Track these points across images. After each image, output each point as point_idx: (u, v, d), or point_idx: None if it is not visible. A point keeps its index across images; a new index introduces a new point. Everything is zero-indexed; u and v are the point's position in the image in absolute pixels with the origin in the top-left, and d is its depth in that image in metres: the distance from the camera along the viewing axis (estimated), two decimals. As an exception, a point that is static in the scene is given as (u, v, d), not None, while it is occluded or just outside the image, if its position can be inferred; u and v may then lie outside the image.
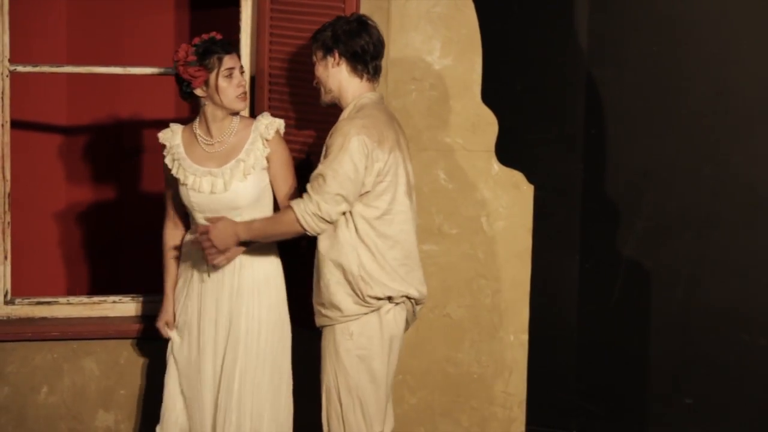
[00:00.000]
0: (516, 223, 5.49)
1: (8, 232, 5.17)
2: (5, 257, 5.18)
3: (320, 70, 4.69)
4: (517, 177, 5.48)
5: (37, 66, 5.10)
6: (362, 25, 4.66)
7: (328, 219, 4.53)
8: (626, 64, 5.73)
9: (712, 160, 5.72)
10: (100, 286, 5.97)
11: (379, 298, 4.62)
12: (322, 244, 4.62)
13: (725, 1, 5.62)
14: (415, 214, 4.76)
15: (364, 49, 4.62)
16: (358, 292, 4.60)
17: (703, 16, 5.64)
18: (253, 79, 5.22)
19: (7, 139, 5.12)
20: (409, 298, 4.71)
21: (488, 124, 5.43)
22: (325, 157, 4.54)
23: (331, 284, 4.62)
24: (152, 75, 5.30)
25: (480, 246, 5.48)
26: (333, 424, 4.70)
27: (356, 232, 4.59)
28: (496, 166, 5.45)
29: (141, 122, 6.03)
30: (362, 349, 4.64)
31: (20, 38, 5.33)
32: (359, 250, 4.60)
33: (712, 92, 5.68)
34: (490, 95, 5.44)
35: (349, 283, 4.61)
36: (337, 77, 4.67)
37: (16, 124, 5.24)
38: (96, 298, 5.28)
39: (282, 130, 4.80)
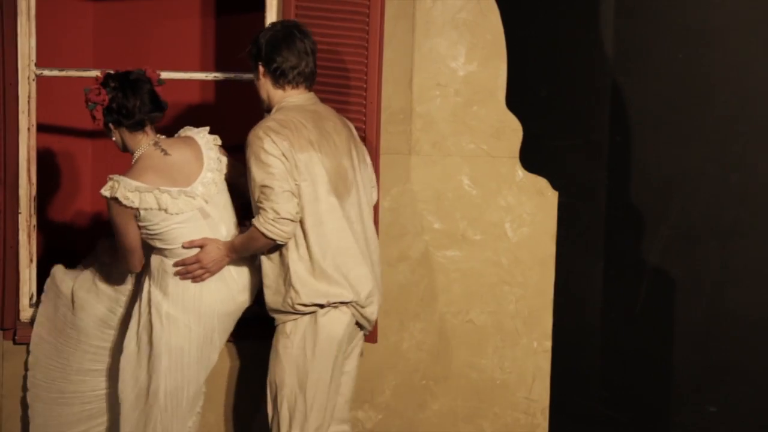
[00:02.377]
0: (540, 230, 5.48)
1: (34, 235, 5.19)
2: (30, 260, 5.20)
3: (255, 77, 4.81)
4: (542, 183, 5.47)
5: (63, 70, 5.13)
6: (287, 36, 4.74)
7: (290, 217, 4.61)
8: (652, 70, 5.71)
9: (739, 167, 5.69)
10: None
11: (307, 305, 4.71)
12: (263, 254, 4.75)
13: (751, 7, 5.60)
14: (358, 209, 4.79)
15: (283, 65, 4.72)
16: (288, 300, 4.71)
17: (729, 22, 5.62)
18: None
19: (33, 142, 5.14)
20: (344, 302, 4.75)
21: (513, 131, 5.43)
22: (248, 166, 4.64)
23: (268, 292, 4.78)
24: (177, 79, 5.32)
25: (504, 252, 5.47)
26: (272, 415, 4.82)
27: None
28: (521, 172, 5.45)
29: (166, 126, 6.04)
30: (296, 348, 4.75)
31: (47, 42, 5.36)
32: (291, 257, 4.69)
33: (738, 99, 5.66)
34: (514, 101, 5.43)
35: (281, 291, 4.73)
36: (265, 87, 4.79)
37: (42, 128, 5.26)
38: (120, 302, 5.29)
39: None
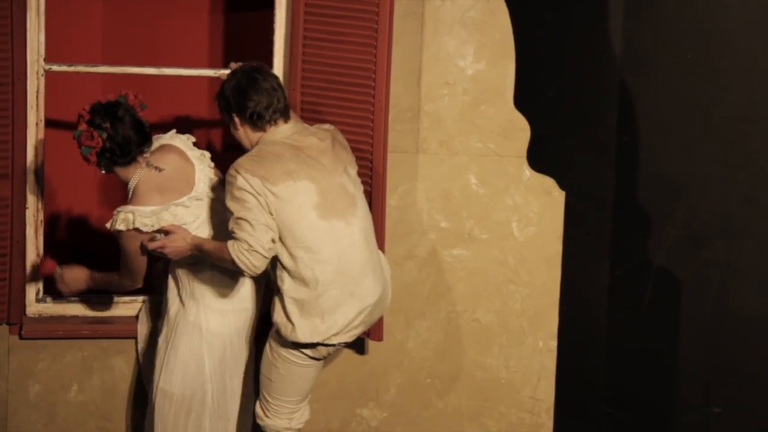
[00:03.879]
0: (546, 229, 5.48)
1: (41, 230, 5.20)
2: (37, 255, 5.21)
3: (231, 129, 4.83)
4: (549, 183, 5.47)
5: (72, 65, 5.13)
6: (250, 81, 4.74)
7: (263, 252, 4.62)
8: (660, 71, 5.70)
9: (746, 168, 5.68)
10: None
11: (305, 343, 4.85)
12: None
13: (761, 8, 5.59)
14: (362, 222, 4.82)
15: (256, 107, 4.72)
16: (285, 332, 4.83)
17: (738, 23, 5.61)
18: (285, 81, 5.23)
19: (41, 137, 5.15)
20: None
21: (520, 130, 5.43)
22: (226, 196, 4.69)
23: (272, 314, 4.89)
24: (186, 76, 5.32)
25: (510, 251, 5.47)
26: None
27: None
28: (528, 171, 5.45)
29: (174, 123, 6.05)
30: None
31: (56, 38, 5.36)
32: (285, 288, 4.78)
33: (746, 100, 5.65)
34: (522, 101, 5.44)
35: (282, 319, 4.84)
36: (245, 135, 4.80)
37: (50, 123, 5.27)
38: (127, 298, 5.30)
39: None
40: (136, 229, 4.74)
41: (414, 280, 5.45)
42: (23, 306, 5.21)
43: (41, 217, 5.19)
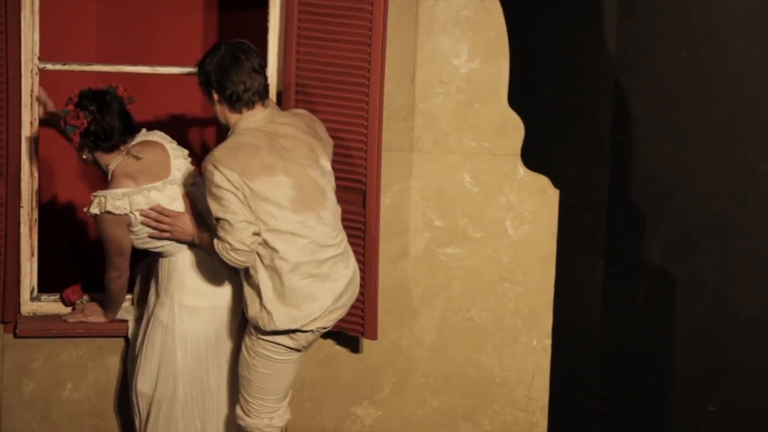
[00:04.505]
0: (541, 228, 5.48)
1: (35, 228, 5.20)
2: (32, 254, 5.21)
3: (210, 104, 4.82)
4: (543, 182, 5.47)
5: (66, 64, 5.13)
6: (233, 59, 4.72)
7: (245, 248, 4.64)
8: (654, 70, 5.71)
9: (740, 167, 5.69)
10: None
11: (280, 331, 4.83)
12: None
13: (755, 7, 5.60)
14: (333, 213, 4.84)
15: (236, 88, 4.71)
16: (261, 321, 4.80)
17: (732, 22, 5.61)
18: (279, 81, 5.23)
19: (35, 136, 5.15)
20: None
21: (514, 128, 5.43)
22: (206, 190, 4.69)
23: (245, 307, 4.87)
24: (180, 75, 5.32)
25: (504, 250, 5.48)
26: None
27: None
28: (522, 170, 5.45)
29: (169, 121, 6.06)
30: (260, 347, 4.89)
31: (50, 37, 5.36)
32: (261, 279, 4.76)
33: (740, 99, 5.66)
34: (516, 99, 5.44)
35: (256, 309, 4.82)
36: (222, 112, 4.78)
37: (45, 122, 5.26)
38: (121, 296, 5.30)
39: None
40: (109, 212, 4.78)
41: (408, 279, 5.45)
42: (18, 305, 5.21)
43: (35, 215, 5.19)
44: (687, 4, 5.66)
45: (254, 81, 4.72)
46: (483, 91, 5.39)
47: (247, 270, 4.76)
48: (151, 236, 4.85)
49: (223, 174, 4.62)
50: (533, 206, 5.47)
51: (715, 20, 5.64)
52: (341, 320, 5.22)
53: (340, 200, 5.10)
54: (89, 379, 5.29)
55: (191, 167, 4.97)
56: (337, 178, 5.14)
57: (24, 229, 5.17)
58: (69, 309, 5.26)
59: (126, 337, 5.21)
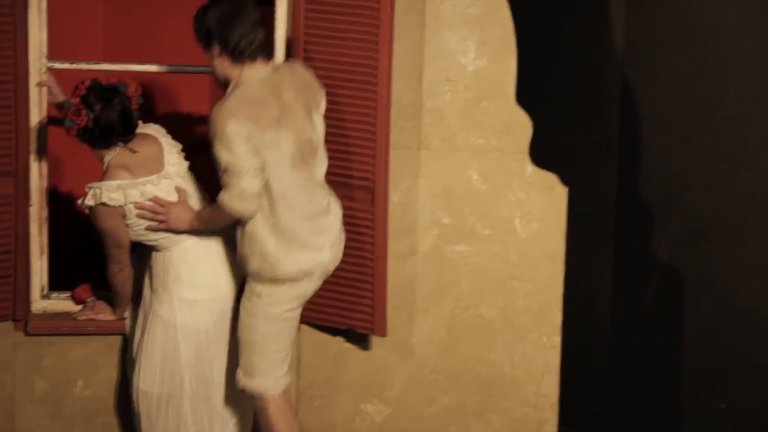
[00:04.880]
0: (549, 225, 5.48)
1: (45, 227, 5.23)
2: (42, 252, 5.24)
3: (208, 58, 4.80)
4: (551, 179, 5.47)
5: (74, 63, 5.16)
6: (235, 12, 4.72)
7: (254, 193, 4.67)
8: (662, 66, 5.70)
9: (749, 164, 5.67)
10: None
11: (285, 277, 4.84)
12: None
13: (763, 5, 5.58)
14: (314, 177, 4.86)
15: (239, 41, 4.70)
16: (264, 272, 4.83)
17: (740, 18, 5.60)
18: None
19: (44, 134, 5.18)
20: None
21: (522, 126, 5.43)
22: (212, 145, 4.68)
23: (243, 263, 4.89)
24: (187, 73, 5.34)
25: (513, 247, 5.47)
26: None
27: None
28: (530, 167, 5.45)
29: (176, 119, 6.07)
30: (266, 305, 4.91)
31: (58, 35, 5.38)
32: (262, 233, 4.80)
33: (749, 96, 5.64)
34: (524, 97, 5.43)
35: (256, 263, 4.85)
36: (222, 66, 4.77)
37: (53, 121, 5.29)
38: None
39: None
40: (104, 204, 4.80)
41: (417, 277, 5.45)
42: (28, 302, 5.24)
43: (45, 214, 5.22)
44: (694, 1, 5.64)
45: (257, 34, 4.73)
46: (490, 89, 5.39)
47: (246, 223, 4.77)
48: (148, 228, 4.87)
49: (237, 123, 4.63)
50: (541, 203, 5.47)
51: (723, 17, 5.63)
52: (351, 318, 5.26)
53: (348, 198, 5.13)
54: (100, 376, 5.31)
55: (185, 162, 4.99)
56: (345, 176, 5.16)
57: (33, 228, 5.20)
58: (79, 307, 5.28)
59: (135, 335, 5.24)
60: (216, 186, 4.78)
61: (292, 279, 4.82)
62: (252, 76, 4.74)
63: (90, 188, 4.83)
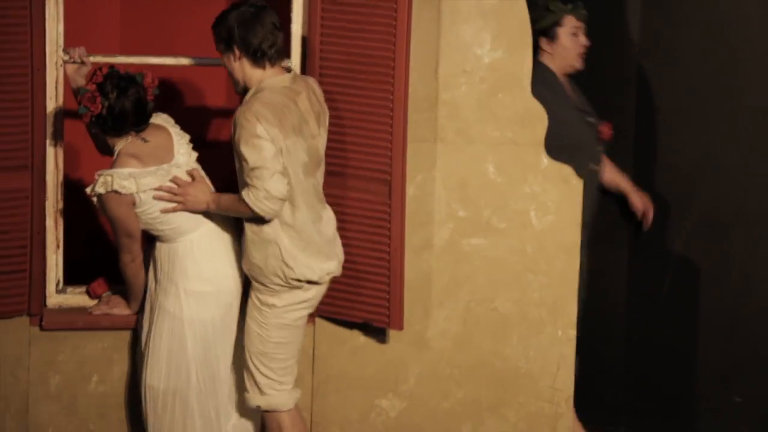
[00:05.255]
0: (565, 218, 5.47)
1: (61, 221, 5.21)
2: (57, 246, 5.22)
3: (226, 62, 4.83)
4: (567, 171, 5.46)
5: (90, 56, 5.13)
6: (256, 16, 4.75)
7: (281, 196, 4.70)
8: (678, 58, 5.70)
9: (766, 157, 5.67)
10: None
11: (301, 281, 4.87)
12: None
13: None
14: (318, 186, 4.92)
15: (261, 43, 4.74)
16: (281, 274, 4.86)
17: (756, 11, 5.60)
18: (303, 72, 5.23)
19: (60, 128, 5.16)
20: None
21: (538, 118, 5.42)
22: (235, 148, 4.70)
23: (254, 267, 4.91)
24: (204, 66, 5.33)
25: (528, 240, 5.46)
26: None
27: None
28: (546, 160, 5.44)
29: (193, 112, 6.06)
30: (278, 316, 4.94)
31: (74, 28, 5.37)
32: (278, 234, 4.82)
33: (765, 88, 5.64)
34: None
35: (270, 266, 4.87)
36: (241, 70, 4.80)
37: (69, 114, 5.27)
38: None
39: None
40: (115, 192, 4.80)
41: (432, 270, 5.44)
42: (43, 297, 5.22)
43: (60, 207, 5.20)
44: (711, -9, 5.65)
45: (276, 37, 4.77)
46: (506, 81, 5.38)
47: (262, 227, 4.79)
48: (164, 211, 4.86)
49: (265, 128, 4.67)
50: (557, 196, 5.46)
51: (739, 9, 5.63)
52: (367, 311, 5.25)
53: (365, 191, 5.14)
54: (115, 371, 5.29)
55: (194, 153, 5.00)
56: (362, 169, 5.16)
57: (49, 222, 5.18)
58: (94, 302, 5.26)
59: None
60: (222, 180, 4.77)
61: (309, 281, 4.85)
62: (273, 82, 4.78)
63: (100, 175, 4.83)
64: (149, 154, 4.87)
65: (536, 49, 5.48)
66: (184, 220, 4.90)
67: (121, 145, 4.89)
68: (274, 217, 4.75)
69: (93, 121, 4.82)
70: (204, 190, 4.89)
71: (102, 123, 4.82)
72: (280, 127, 4.70)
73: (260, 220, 4.77)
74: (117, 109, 4.80)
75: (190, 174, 4.91)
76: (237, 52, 4.75)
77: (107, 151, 5.01)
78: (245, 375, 4.96)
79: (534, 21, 5.35)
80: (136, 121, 4.86)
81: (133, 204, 4.84)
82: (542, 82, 5.44)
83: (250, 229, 4.82)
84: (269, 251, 4.80)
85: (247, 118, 4.68)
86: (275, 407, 4.94)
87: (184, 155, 4.94)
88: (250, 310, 4.91)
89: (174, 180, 4.86)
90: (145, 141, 4.89)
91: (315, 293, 4.92)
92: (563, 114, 5.45)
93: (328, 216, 4.99)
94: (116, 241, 4.93)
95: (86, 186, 4.92)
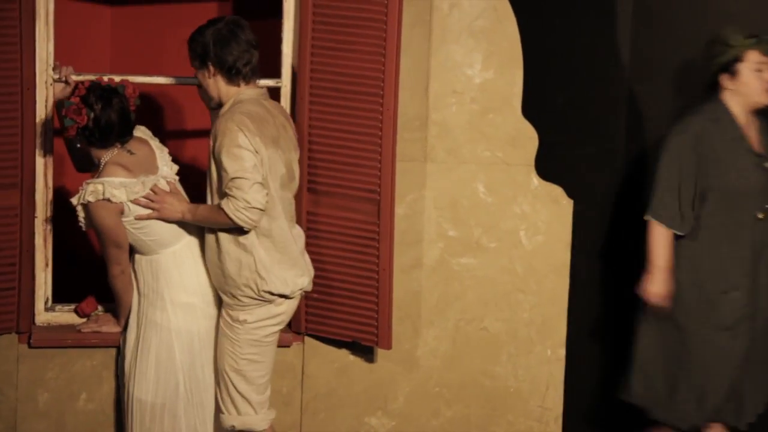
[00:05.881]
0: (555, 238, 5.48)
1: (50, 239, 5.21)
2: (46, 264, 5.22)
3: (200, 78, 4.86)
4: (557, 191, 5.47)
5: (80, 74, 5.14)
6: (231, 33, 4.78)
7: (260, 207, 4.71)
8: (668, 79, 5.71)
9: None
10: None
11: (273, 294, 4.87)
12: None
13: (769, 18, 5.60)
14: (292, 202, 4.95)
15: (236, 62, 4.77)
16: (253, 286, 4.86)
17: (746, 32, 5.60)
18: (294, 90, 5.24)
19: (50, 146, 5.17)
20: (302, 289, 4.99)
21: (528, 138, 5.43)
22: (216, 157, 4.72)
23: (227, 279, 4.92)
24: (194, 85, 5.33)
25: (518, 260, 5.47)
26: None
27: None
28: (536, 180, 5.45)
29: (183, 132, 6.07)
30: (249, 333, 4.95)
31: (64, 47, 5.38)
32: (254, 245, 4.83)
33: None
34: (530, 109, 5.44)
35: (244, 277, 4.87)
36: (216, 87, 4.83)
37: (59, 132, 5.27)
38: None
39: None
40: (107, 200, 4.81)
41: (422, 289, 5.45)
42: (32, 315, 5.22)
43: (50, 226, 5.20)
44: (702, 13, 5.65)
45: (252, 56, 4.80)
46: (497, 101, 5.39)
47: (236, 237, 4.80)
48: (138, 218, 4.86)
49: (247, 136, 4.69)
50: (547, 216, 5.47)
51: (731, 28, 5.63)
52: (356, 330, 5.25)
53: (354, 210, 5.15)
54: (104, 389, 5.29)
55: (175, 165, 5.03)
56: (351, 188, 5.16)
57: (38, 240, 5.18)
58: (84, 319, 5.26)
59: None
60: (197, 197, 4.79)
61: (282, 295, 4.86)
62: (250, 95, 4.81)
63: (89, 183, 4.83)
64: (136, 164, 4.89)
65: (714, 86, 5.27)
66: (166, 231, 4.92)
67: (107, 156, 4.90)
68: (252, 228, 4.76)
69: (79, 133, 4.83)
70: (180, 200, 4.91)
71: (89, 135, 4.83)
72: (261, 137, 4.72)
73: (237, 230, 4.79)
74: (103, 120, 4.82)
75: (169, 185, 4.93)
76: (212, 69, 4.79)
77: (84, 166, 5.03)
78: (219, 395, 4.96)
79: (713, 56, 5.20)
80: (122, 132, 4.87)
81: (121, 213, 4.85)
82: (715, 121, 5.24)
83: (224, 239, 4.84)
84: (243, 262, 4.82)
85: (229, 128, 4.69)
86: (250, 427, 4.95)
87: (166, 167, 4.97)
88: (222, 327, 4.92)
89: (152, 188, 4.88)
90: (131, 153, 4.91)
91: (286, 308, 4.93)
92: (735, 158, 5.24)
93: (298, 233, 5.00)
94: (104, 253, 4.93)
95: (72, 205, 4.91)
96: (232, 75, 4.77)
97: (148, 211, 4.87)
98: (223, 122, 4.72)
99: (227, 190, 4.70)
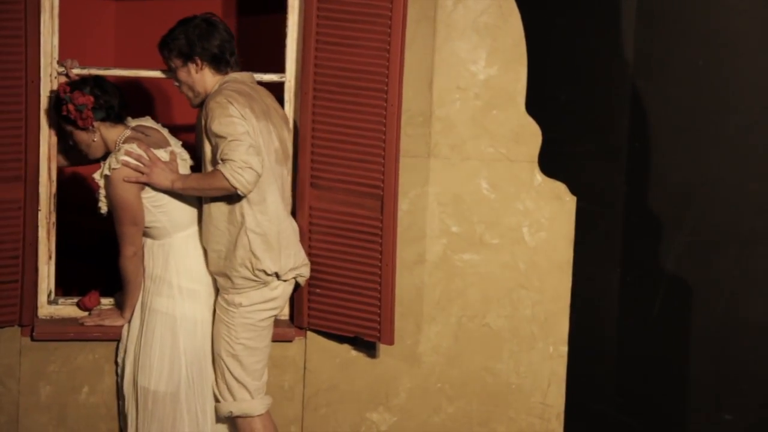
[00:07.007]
0: (558, 235, 5.48)
1: (53, 232, 5.21)
2: (49, 257, 5.22)
3: (184, 76, 4.96)
4: (560, 188, 5.47)
5: (85, 68, 5.14)
6: (211, 25, 4.93)
7: (257, 168, 4.77)
8: (672, 76, 5.71)
9: (758, 175, 5.68)
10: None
11: (269, 274, 4.96)
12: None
13: (773, 15, 5.60)
14: (287, 182, 5.05)
15: (221, 49, 4.92)
16: (248, 265, 4.95)
17: (750, 29, 5.61)
18: (298, 85, 5.24)
19: (53, 139, 5.17)
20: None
21: (532, 135, 5.43)
22: (207, 131, 4.81)
23: (220, 258, 5.01)
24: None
25: (521, 256, 5.47)
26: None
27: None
28: (539, 176, 5.45)
29: (187, 126, 6.06)
30: (245, 317, 5.04)
31: (69, 41, 5.38)
32: (248, 223, 4.91)
33: (758, 106, 5.65)
34: (534, 106, 5.43)
35: (237, 258, 4.95)
36: (203, 80, 4.95)
37: (72, 124, 5.27)
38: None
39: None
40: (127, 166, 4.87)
41: (424, 285, 5.45)
42: (35, 308, 5.22)
43: (53, 219, 5.21)
44: (705, 11, 5.65)
45: (232, 45, 4.96)
46: (500, 98, 5.39)
47: (232, 215, 4.87)
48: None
49: (238, 109, 4.79)
50: (550, 213, 5.47)
51: (733, 27, 5.64)
52: (358, 325, 5.26)
53: (357, 205, 5.14)
54: (106, 382, 5.30)
55: (186, 151, 5.09)
56: (354, 183, 5.16)
57: (42, 233, 5.18)
58: (86, 313, 5.27)
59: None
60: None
61: (277, 274, 4.94)
62: (236, 77, 4.94)
63: (111, 156, 4.91)
64: (150, 141, 4.98)
65: None
66: (183, 212, 4.98)
67: (123, 136, 4.96)
68: (247, 191, 4.79)
69: (94, 112, 4.89)
70: (171, 169, 4.95)
71: (106, 106, 4.91)
72: (250, 109, 4.83)
73: (232, 209, 4.85)
74: (105, 93, 4.91)
75: (171, 156, 4.99)
76: (199, 62, 4.90)
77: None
78: (216, 383, 5.03)
79: None
80: (122, 103, 4.96)
81: (141, 189, 4.91)
82: None
83: (220, 218, 4.90)
84: (239, 242, 4.88)
85: (218, 101, 4.80)
86: (247, 412, 5.01)
87: (177, 148, 5.05)
88: (218, 313, 5.00)
89: (147, 152, 4.92)
90: (146, 135, 5.00)
91: (281, 292, 4.99)
92: None
93: (294, 225, 5.09)
94: (119, 233, 4.97)
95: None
96: (219, 64, 4.91)
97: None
98: (212, 98, 4.84)
99: (223, 156, 4.76)
